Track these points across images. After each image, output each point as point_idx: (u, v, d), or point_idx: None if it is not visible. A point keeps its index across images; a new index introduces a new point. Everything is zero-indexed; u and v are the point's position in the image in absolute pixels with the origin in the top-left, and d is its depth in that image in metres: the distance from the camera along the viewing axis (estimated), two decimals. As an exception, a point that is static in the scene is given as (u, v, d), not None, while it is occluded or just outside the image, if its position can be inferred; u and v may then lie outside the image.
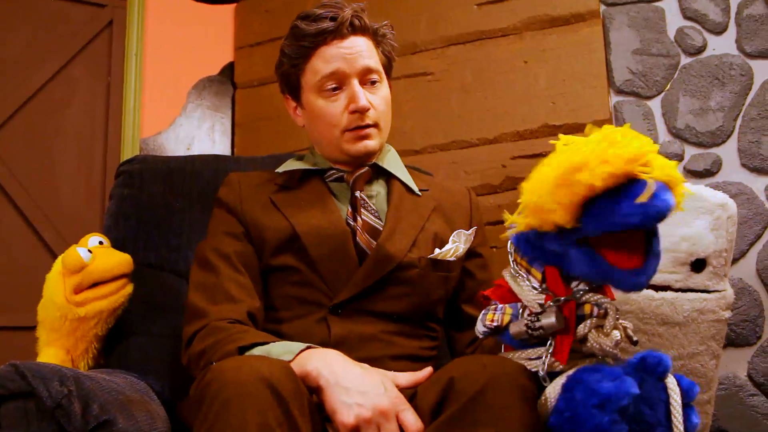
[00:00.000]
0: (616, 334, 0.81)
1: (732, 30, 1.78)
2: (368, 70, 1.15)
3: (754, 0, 1.77)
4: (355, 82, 1.13)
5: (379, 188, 1.20)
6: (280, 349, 0.92)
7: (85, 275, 1.18)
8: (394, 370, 1.00)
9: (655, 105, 1.83)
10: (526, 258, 0.89)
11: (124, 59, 2.15)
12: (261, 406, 0.75)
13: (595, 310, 0.83)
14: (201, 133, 2.26)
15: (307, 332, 1.06)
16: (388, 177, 1.21)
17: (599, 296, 0.83)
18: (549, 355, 0.85)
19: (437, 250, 1.13)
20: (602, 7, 1.89)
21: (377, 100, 1.16)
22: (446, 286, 1.16)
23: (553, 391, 0.82)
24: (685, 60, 1.82)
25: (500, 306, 0.91)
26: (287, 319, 1.09)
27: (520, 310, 0.89)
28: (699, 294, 1.08)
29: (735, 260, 1.69)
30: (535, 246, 0.83)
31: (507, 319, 0.89)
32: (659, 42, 1.84)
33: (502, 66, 1.97)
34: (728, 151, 1.75)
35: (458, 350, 1.22)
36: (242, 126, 2.31)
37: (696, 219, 1.08)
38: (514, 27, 1.98)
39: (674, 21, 1.84)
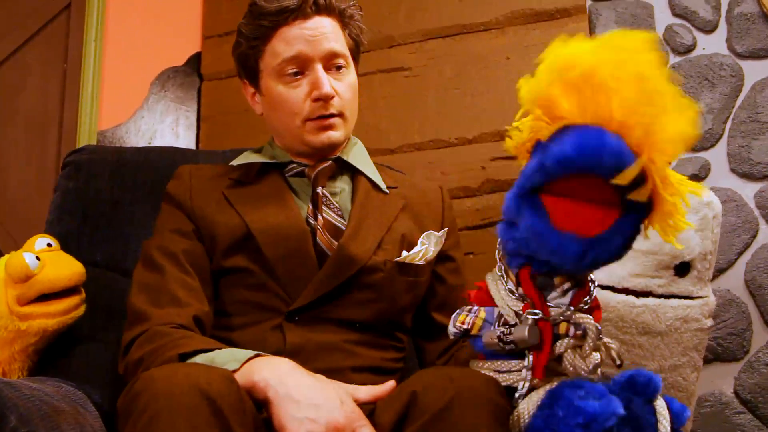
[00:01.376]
0: (596, 357, 0.76)
1: (722, 28, 1.76)
2: (333, 54, 1.10)
3: (745, -2, 1.75)
4: (319, 67, 1.08)
5: (343, 185, 1.15)
6: (226, 357, 0.87)
7: (32, 285, 1.09)
8: (356, 383, 0.95)
9: (642, 106, 1.80)
10: (505, 255, 0.85)
11: (83, 45, 2.08)
12: (195, 421, 0.70)
13: (572, 331, 0.78)
14: (164, 127, 2.20)
15: (260, 340, 1.00)
16: (354, 173, 1.16)
17: (578, 316, 0.78)
18: (528, 371, 0.80)
19: (405, 253, 1.09)
20: (588, 2, 1.87)
21: (343, 87, 1.11)
22: (415, 291, 1.11)
23: (527, 407, 0.77)
24: (673, 59, 1.79)
25: (475, 308, 0.87)
26: (239, 326, 1.04)
27: (495, 316, 0.85)
28: (682, 300, 1.05)
29: (722, 270, 1.67)
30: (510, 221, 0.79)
31: (479, 323, 0.85)
32: (647, 40, 1.81)
33: (484, 62, 1.94)
34: (717, 156, 1.72)
35: (428, 362, 1.17)
36: (208, 120, 2.25)
37: (681, 219, 1.04)
38: (496, 21, 1.95)
39: (663, 18, 1.81)
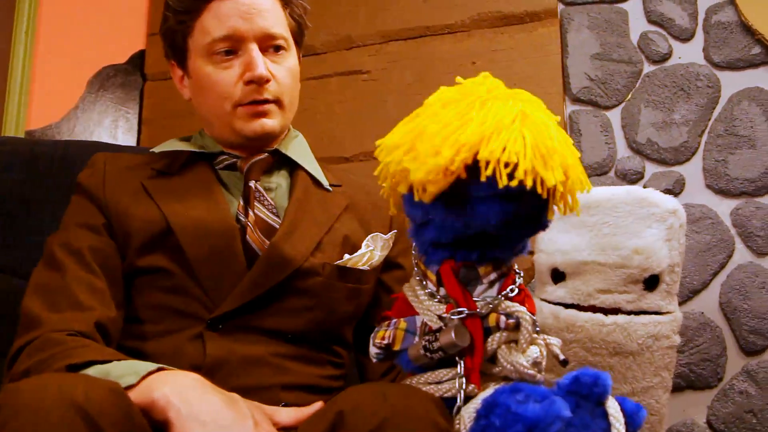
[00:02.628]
0: (534, 351, 0.71)
1: (699, 37, 1.76)
2: (271, 35, 1.04)
3: (723, 6, 1.74)
4: (254, 47, 1.03)
5: (280, 180, 1.09)
6: (123, 370, 0.78)
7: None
8: (287, 402, 0.89)
9: (614, 116, 1.79)
10: (423, 256, 0.80)
11: (12, 37, 2.00)
12: None
13: (503, 320, 0.73)
14: (101, 129, 2.12)
15: (176, 352, 0.93)
16: (293, 168, 1.11)
17: (507, 304, 0.73)
18: (462, 379, 0.75)
19: (347, 256, 1.02)
20: (560, 6, 1.85)
21: (281, 71, 1.05)
22: (357, 300, 1.05)
23: (463, 421, 0.71)
24: (648, 68, 1.78)
25: (393, 321, 0.81)
26: (153, 334, 0.96)
27: (419, 326, 0.79)
28: (652, 317, 1.00)
29: (696, 291, 1.64)
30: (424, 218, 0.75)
31: (401, 335, 0.79)
32: (621, 47, 1.80)
33: (448, 66, 1.90)
34: (692, 170, 1.71)
35: (371, 381, 1.11)
36: (151, 123, 2.19)
37: (648, 228, 1.00)
38: (462, 24, 1.92)
39: (638, 25, 1.80)
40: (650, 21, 1.79)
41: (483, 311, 0.76)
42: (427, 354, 0.75)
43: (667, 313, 1.02)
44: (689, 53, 1.76)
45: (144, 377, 0.76)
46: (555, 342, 0.75)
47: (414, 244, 0.82)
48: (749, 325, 1.58)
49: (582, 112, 1.80)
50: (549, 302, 1.08)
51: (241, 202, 1.02)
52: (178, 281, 0.96)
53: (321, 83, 2.02)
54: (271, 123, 1.04)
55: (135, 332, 0.97)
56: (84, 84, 2.11)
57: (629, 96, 1.78)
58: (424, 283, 0.80)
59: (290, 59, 1.08)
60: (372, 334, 0.83)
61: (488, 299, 0.76)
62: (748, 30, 1.71)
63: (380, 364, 1.06)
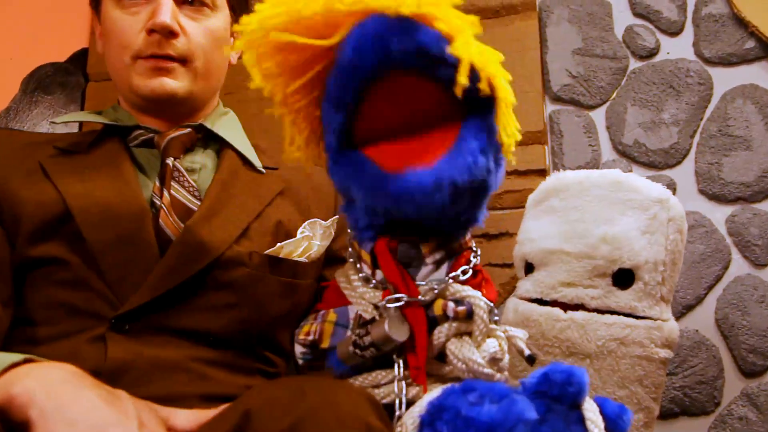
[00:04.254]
0: (491, 345, 0.63)
1: (689, 31, 1.72)
2: None
3: (714, -4, 1.70)
4: None
5: (206, 160, 1.03)
6: None
7: None
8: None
9: (598, 116, 1.74)
10: (355, 233, 0.72)
11: (-62, 29, 1.93)
12: None
13: (450, 308, 0.65)
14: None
15: (72, 357, 0.83)
16: (222, 147, 1.04)
17: (457, 288, 0.65)
18: (402, 382, 0.66)
19: (280, 245, 0.95)
20: (538, -1, 1.81)
21: (197, 29, 1.00)
22: (292, 298, 0.97)
23: (407, 427, 0.63)
24: (634, 64, 1.73)
25: (321, 313, 0.73)
26: (48, 337, 0.87)
27: (352, 317, 0.71)
28: (620, 318, 0.92)
29: (690, 307, 1.57)
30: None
31: (329, 330, 0.71)
32: (605, 41, 1.76)
33: (417, 63, 1.85)
34: (684, 174, 1.65)
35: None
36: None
37: (622, 215, 0.93)
38: (433, 17, 1.87)
39: (622, 18, 1.76)
40: (636, 14, 1.75)
41: (426, 297, 0.67)
42: (358, 351, 0.67)
43: (646, 318, 0.94)
44: (678, 48, 1.72)
45: (5, 370, 0.67)
46: (519, 334, 0.66)
47: (347, 219, 0.74)
48: (748, 343, 1.51)
49: (563, 112, 1.74)
50: (519, 298, 1.01)
51: (157, 183, 0.95)
52: (78, 274, 0.88)
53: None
54: (173, 84, 0.98)
55: (26, 336, 0.88)
56: (17, 82, 2.04)
57: (614, 94, 1.73)
58: (358, 266, 0.73)
59: (213, 20, 1.02)
60: (296, 330, 0.74)
61: (434, 283, 0.68)
62: (741, 23, 1.67)
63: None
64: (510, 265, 1.67)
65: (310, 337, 0.72)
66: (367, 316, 0.69)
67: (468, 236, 0.75)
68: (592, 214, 0.94)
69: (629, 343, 0.90)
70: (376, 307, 0.69)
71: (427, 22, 0.59)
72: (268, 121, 1.93)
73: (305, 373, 0.98)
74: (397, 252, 0.69)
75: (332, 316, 0.73)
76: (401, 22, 0.58)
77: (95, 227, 0.89)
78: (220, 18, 1.03)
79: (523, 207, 1.12)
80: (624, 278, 0.93)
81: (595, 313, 0.92)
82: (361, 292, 0.71)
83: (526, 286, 1.00)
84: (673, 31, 1.72)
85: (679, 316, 1.56)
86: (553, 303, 0.96)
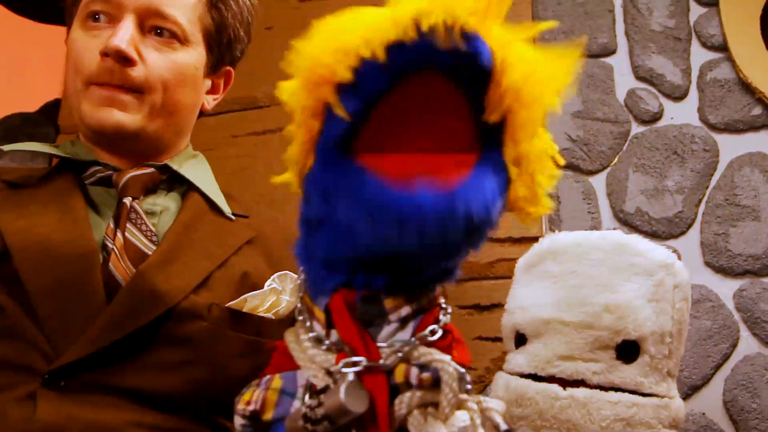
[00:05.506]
0: (461, 418, 0.57)
1: (693, 96, 1.71)
2: (159, 12, 0.95)
3: (719, 62, 1.70)
4: (129, 18, 0.94)
5: (168, 203, 0.98)
6: None
7: None
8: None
9: (598, 182, 1.72)
10: (308, 285, 0.66)
11: None
12: None
13: (414, 374, 0.59)
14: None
15: None
16: (188, 190, 1.00)
17: (423, 351, 0.60)
18: None
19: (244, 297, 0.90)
20: (537, 59, 1.80)
21: (160, 60, 0.96)
22: (256, 359, 0.89)
23: None
24: (636, 128, 1.72)
25: (265, 378, 0.67)
26: None
27: (302, 385, 0.64)
28: (627, 395, 0.87)
29: (696, 388, 1.51)
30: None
31: (273, 399, 0.63)
32: (606, 105, 1.75)
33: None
34: (689, 245, 1.62)
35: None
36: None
37: (626, 281, 0.89)
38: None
39: (624, 81, 1.76)
40: (638, 77, 1.75)
41: (388, 362, 0.60)
42: (309, 426, 0.60)
43: (653, 395, 0.89)
44: (682, 113, 1.71)
45: None
46: (494, 406, 0.60)
47: (299, 267, 0.68)
48: (759, 428, 1.46)
49: (562, 177, 1.72)
50: (509, 373, 0.96)
51: (111, 224, 0.90)
52: (11, 321, 0.82)
53: (262, 140, 1.94)
54: (122, 117, 0.94)
55: None
56: (-14, 133, 2.02)
57: (615, 159, 1.71)
58: (309, 324, 0.66)
59: (182, 54, 0.98)
60: (236, 398, 0.68)
61: (397, 345, 0.62)
62: (747, 89, 1.67)
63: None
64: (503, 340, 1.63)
65: (251, 407, 0.64)
66: (319, 384, 0.62)
67: (437, 290, 0.69)
68: (593, 280, 0.90)
69: (636, 424, 0.85)
70: (329, 372, 0.61)
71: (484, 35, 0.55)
72: (248, 178, 1.90)
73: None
74: (355, 307, 0.63)
75: (277, 382, 0.65)
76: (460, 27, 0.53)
77: (34, 268, 0.83)
78: (191, 54, 0.99)
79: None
80: (628, 351, 0.89)
81: (597, 390, 0.87)
82: (311, 355, 0.63)
83: (518, 360, 0.95)
84: (677, 95, 1.72)
85: (684, 397, 1.51)
86: (550, 379, 0.90)
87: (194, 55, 1.00)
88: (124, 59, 0.92)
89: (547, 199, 0.61)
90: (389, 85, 0.55)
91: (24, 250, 0.84)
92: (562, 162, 0.62)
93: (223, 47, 1.05)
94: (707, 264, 1.60)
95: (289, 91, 0.60)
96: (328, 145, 0.58)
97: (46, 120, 2.10)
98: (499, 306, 1.63)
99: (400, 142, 0.57)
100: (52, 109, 2.11)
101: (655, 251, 0.93)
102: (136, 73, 0.93)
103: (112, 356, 0.81)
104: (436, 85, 0.56)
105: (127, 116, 0.94)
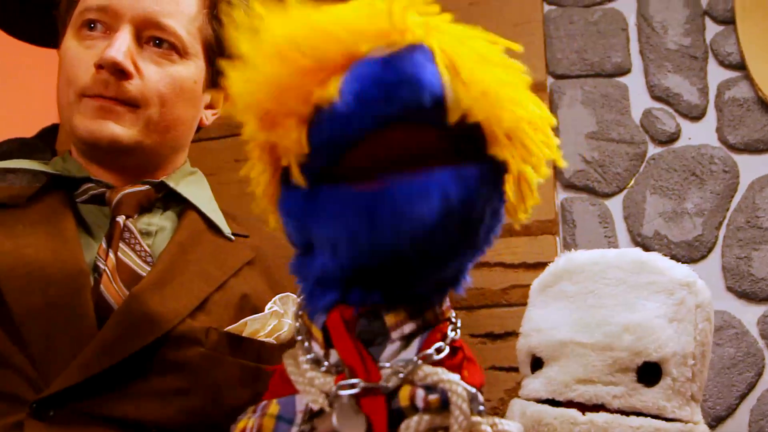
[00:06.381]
0: None
1: (711, 115, 1.70)
2: (157, 23, 0.94)
3: (737, 80, 1.70)
4: (126, 29, 0.93)
5: (165, 222, 0.97)
6: None
7: None
8: None
9: (615, 205, 1.71)
10: (305, 304, 0.65)
11: None
12: None
13: (419, 396, 0.57)
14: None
15: None
16: (186, 209, 0.99)
17: (429, 371, 0.58)
18: None
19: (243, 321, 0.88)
20: (550, 80, 1.80)
21: (157, 73, 0.95)
22: (256, 386, 0.87)
23: None
24: (653, 149, 1.71)
25: (262, 404, 0.65)
26: None
27: (300, 410, 0.62)
28: (648, 420, 0.85)
29: (721, 419, 1.49)
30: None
31: (270, 425, 0.61)
32: (621, 125, 1.74)
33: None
34: (709, 270, 1.60)
35: None
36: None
37: (645, 300, 0.88)
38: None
39: (640, 101, 1.75)
40: (654, 97, 1.74)
41: (389, 384, 0.58)
42: None
43: (676, 420, 0.87)
44: (700, 133, 1.70)
45: None
46: (511, 429, 0.58)
47: (298, 285, 0.67)
48: (787, 462, 1.43)
49: (576, 200, 1.71)
50: (525, 399, 0.94)
51: (103, 244, 0.89)
52: None
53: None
54: (117, 129, 0.92)
55: None
56: (-17, 158, 2.03)
57: (632, 181, 1.70)
58: (307, 344, 0.64)
59: (181, 68, 0.97)
60: (231, 426, 0.66)
61: (400, 365, 0.60)
62: (767, 107, 1.66)
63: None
64: (518, 369, 1.60)
65: None
66: (316, 408, 0.60)
67: (446, 304, 0.66)
68: (611, 299, 0.89)
69: (660, 451, 0.83)
70: (328, 396, 0.60)
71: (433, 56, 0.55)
72: (251, 203, 1.89)
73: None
74: (355, 325, 0.61)
75: (274, 408, 0.63)
76: (406, 60, 0.53)
77: (21, 291, 0.81)
78: (190, 67, 0.99)
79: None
80: (649, 373, 0.87)
81: (618, 415, 0.85)
82: (309, 378, 0.61)
83: (534, 385, 0.93)
84: (695, 115, 1.71)
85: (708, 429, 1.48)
86: (568, 404, 0.89)
87: (193, 69, 0.99)
88: (119, 72, 0.91)
89: (546, 169, 0.60)
90: (356, 137, 0.56)
91: (10, 271, 0.82)
92: (553, 122, 0.62)
93: (221, 57, 1.05)
94: (729, 289, 1.58)
95: (248, 131, 0.60)
96: (292, 183, 0.58)
97: (43, 145, 2.11)
98: (513, 334, 1.61)
99: (375, 169, 0.56)
100: (49, 134, 2.12)
101: (676, 269, 0.92)
102: (132, 86, 0.93)
103: (103, 384, 0.79)
104: (407, 128, 0.56)
105: (122, 129, 0.93)
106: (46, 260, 0.84)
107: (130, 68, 0.92)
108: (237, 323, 0.88)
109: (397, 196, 0.52)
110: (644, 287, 0.89)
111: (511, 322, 1.63)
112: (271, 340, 0.90)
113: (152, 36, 0.95)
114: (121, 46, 0.91)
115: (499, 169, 0.59)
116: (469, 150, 0.57)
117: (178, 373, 0.83)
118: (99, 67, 0.91)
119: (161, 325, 0.82)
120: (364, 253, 0.56)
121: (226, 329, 0.88)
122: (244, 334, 0.88)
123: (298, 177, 0.56)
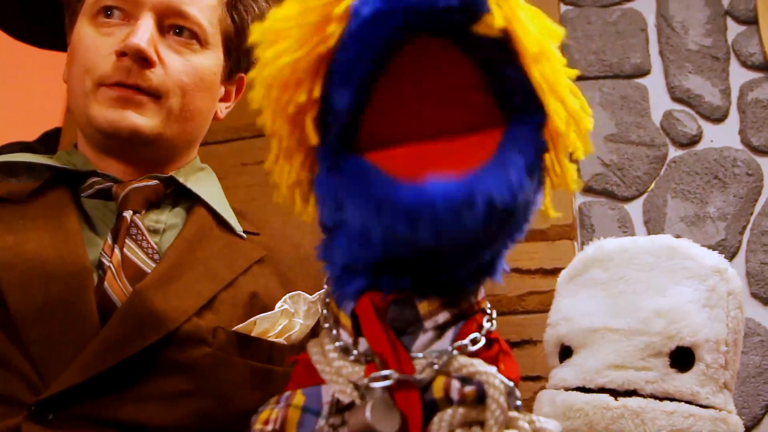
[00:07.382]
0: None
1: (734, 117, 1.71)
2: (179, 12, 0.94)
3: (760, 81, 1.70)
4: (148, 16, 0.92)
5: (174, 220, 0.96)
6: None
7: None
8: None
9: (634, 209, 1.70)
10: (333, 290, 0.63)
11: None
12: None
13: (455, 388, 0.56)
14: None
15: None
16: (195, 205, 0.98)
17: (464, 362, 0.56)
18: None
19: (253, 320, 0.87)
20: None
21: (179, 63, 0.94)
22: (266, 388, 0.86)
23: None
24: (674, 152, 1.71)
25: (286, 395, 0.63)
26: None
27: (327, 401, 0.60)
28: (682, 405, 0.84)
29: (747, 429, 1.47)
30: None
31: (295, 418, 0.59)
32: (641, 127, 1.74)
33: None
34: (734, 275, 1.59)
35: None
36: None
37: (677, 285, 0.87)
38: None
39: (660, 102, 1.76)
40: (674, 98, 1.75)
41: (424, 375, 0.56)
42: None
43: (710, 407, 0.87)
44: (723, 135, 1.70)
45: None
46: (550, 427, 0.57)
47: (325, 272, 0.65)
48: (817, 473, 1.41)
49: (595, 204, 1.71)
50: (554, 389, 0.94)
51: (109, 240, 0.87)
52: None
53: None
54: (138, 119, 0.92)
55: None
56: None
57: (652, 185, 1.70)
58: (335, 332, 0.62)
59: (201, 58, 0.97)
60: (252, 417, 0.63)
61: (434, 356, 0.58)
62: (792, 109, 1.67)
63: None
64: (536, 378, 1.59)
65: (269, 427, 0.60)
66: (345, 399, 0.58)
67: (481, 293, 0.65)
68: (642, 285, 0.88)
69: (694, 437, 0.82)
70: (357, 387, 0.58)
71: None
72: (259, 208, 1.89)
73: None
74: (386, 313, 0.59)
75: (299, 399, 0.61)
76: None
77: (20, 288, 0.79)
78: (209, 57, 0.99)
79: (549, 310, 1.06)
80: (682, 358, 0.87)
81: (651, 399, 0.85)
82: (337, 367, 0.59)
83: (563, 374, 0.93)
84: (717, 117, 1.71)
85: (734, 437, 1.47)
86: (599, 390, 0.88)
87: (213, 59, 0.99)
88: (143, 60, 0.90)
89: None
90: (377, 65, 0.53)
91: (10, 268, 0.81)
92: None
93: (241, 52, 1.05)
94: (754, 295, 1.57)
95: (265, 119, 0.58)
96: (327, 150, 0.55)
97: (45, 149, 2.12)
98: (530, 342, 1.60)
99: (406, 130, 0.54)
100: (51, 138, 2.13)
101: (708, 256, 0.92)
102: (155, 75, 0.92)
103: (105, 385, 0.77)
104: (434, 53, 0.53)
105: (143, 120, 0.92)
106: (48, 256, 0.82)
107: (154, 57, 0.91)
108: (246, 322, 0.87)
109: (438, 203, 0.49)
110: (676, 272, 0.89)
111: (528, 330, 1.62)
112: (281, 340, 0.88)
113: (173, 24, 0.95)
114: (144, 33, 0.90)
115: (541, 142, 0.57)
116: (511, 100, 0.56)
117: (184, 374, 0.82)
118: (121, 54, 0.90)
119: (166, 323, 0.80)
120: (398, 245, 0.54)
121: (234, 329, 0.86)
122: (252, 334, 0.87)
123: (311, 134, 0.54)
